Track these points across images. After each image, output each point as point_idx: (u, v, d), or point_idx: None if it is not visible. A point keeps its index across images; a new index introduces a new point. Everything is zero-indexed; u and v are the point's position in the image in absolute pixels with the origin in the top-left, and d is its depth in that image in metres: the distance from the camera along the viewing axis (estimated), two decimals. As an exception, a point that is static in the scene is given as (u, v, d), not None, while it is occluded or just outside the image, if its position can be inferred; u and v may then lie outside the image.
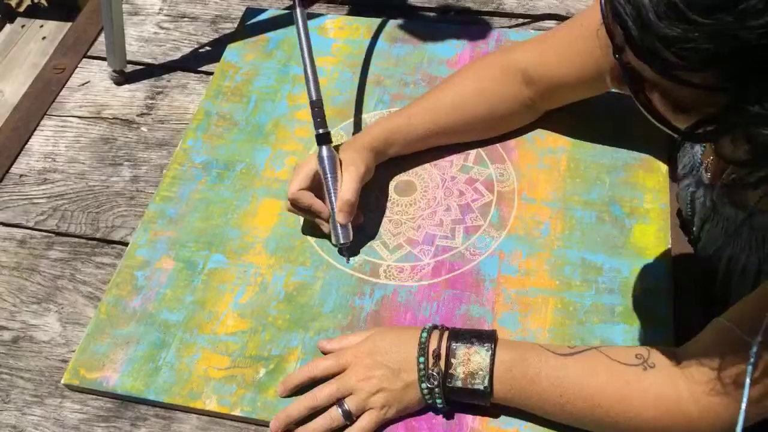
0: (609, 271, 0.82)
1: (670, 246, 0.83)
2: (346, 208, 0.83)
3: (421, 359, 0.71)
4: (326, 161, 0.84)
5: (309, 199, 0.84)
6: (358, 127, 0.98)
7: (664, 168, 0.90)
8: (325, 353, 0.77)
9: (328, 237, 0.86)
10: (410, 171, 0.93)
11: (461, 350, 0.70)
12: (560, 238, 0.85)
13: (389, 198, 0.91)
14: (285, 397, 0.75)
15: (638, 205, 0.86)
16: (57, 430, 0.77)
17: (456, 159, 0.93)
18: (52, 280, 0.89)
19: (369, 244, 0.87)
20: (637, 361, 0.67)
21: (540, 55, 0.87)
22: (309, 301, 0.82)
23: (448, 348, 0.71)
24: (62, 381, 0.79)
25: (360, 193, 0.84)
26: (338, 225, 0.83)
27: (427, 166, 0.93)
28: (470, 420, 0.73)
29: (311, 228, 0.87)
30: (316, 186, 0.85)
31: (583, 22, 0.82)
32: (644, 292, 0.80)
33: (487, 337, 0.71)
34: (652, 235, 0.84)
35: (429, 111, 0.90)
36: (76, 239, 0.93)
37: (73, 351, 0.81)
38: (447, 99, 0.90)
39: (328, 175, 0.84)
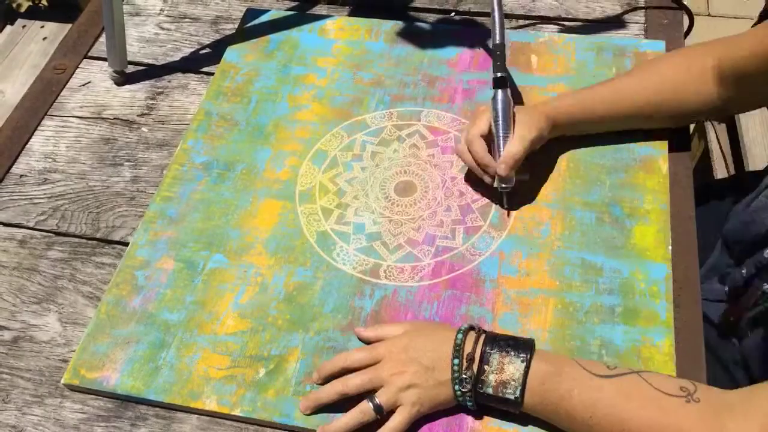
0: (609, 272, 0.82)
1: (670, 247, 0.83)
2: (510, 161, 0.84)
3: (456, 361, 0.70)
4: (500, 104, 0.85)
5: (481, 149, 0.85)
6: (358, 126, 0.98)
7: (664, 168, 0.90)
8: (360, 340, 0.78)
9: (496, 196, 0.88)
10: (410, 171, 0.93)
11: (495, 358, 0.70)
12: (560, 238, 0.85)
13: (389, 198, 0.91)
14: (319, 384, 0.75)
15: (638, 206, 0.87)
16: (57, 430, 0.77)
17: (456, 159, 0.93)
18: (52, 280, 0.89)
19: (369, 244, 0.87)
20: (681, 393, 0.64)
21: (732, 48, 0.85)
22: (309, 301, 0.82)
23: (483, 353, 0.70)
24: (62, 381, 0.79)
25: (527, 154, 0.85)
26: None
27: (427, 166, 0.93)
28: (470, 421, 0.73)
29: (473, 180, 0.90)
30: (490, 135, 0.86)
31: None
32: (644, 293, 0.80)
33: (524, 347, 0.70)
34: (652, 236, 0.84)
35: (613, 93, 0.89)
36: (77, 239, 0.93)
37: (73, 351, 0.82)
38: (636, 86, 0.89)
39: (500, 119, 0.85)
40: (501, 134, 0.85)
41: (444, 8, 1.16)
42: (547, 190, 0.89)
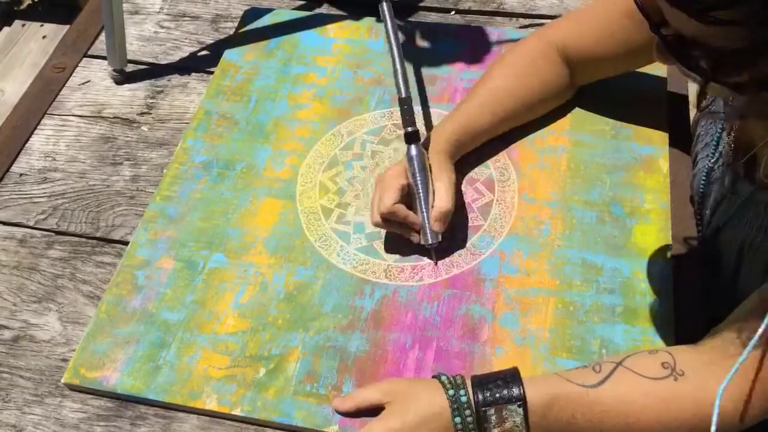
0: (609, 271, 0.82)
1: (670, 246, 0.83)
2: (443, 217, 0.82)
3: (458, 419, 0.68)
4: (416, 160, 0.82)
5: (404, 212, 0.82)
6: (358, 125, 0.98)
7: (664, 168, 0.90)
8: (339, 413, 0.74)
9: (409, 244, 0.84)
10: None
11: (492, 414, 0.68)
12: (561, 238, 0.85)
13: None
14: None
15: (639, 205, 0.86)
16: (57, 429, 0.77)
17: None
18: (53, 280, 0.89)
19: (369, 243, 0.87)
20: (665, 372, 0.66)
21: (578, 33, 0.88)
22: (309, 300, 0.82)
23: (479, 413, 0.68)
24: (62, 380, 0.79)
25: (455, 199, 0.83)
26: (428, 227, 0.82)
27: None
28: None
29: (394, 242, 0.85)
30: (406, 197, 0.83)
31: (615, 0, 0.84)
32: (644, 292, 0.80)
33: (513, 388, 0.68)
34: (653, 236, 0.84)
35: (486, 104, 0.90)
36: (77, 238, 0.93)
37: (74, 350, 0.81)
38: (499, 89, 0.90)
39: (418, 175, 0.82)
40: (421, 190, 0.82)
41: (444, 7, 1.16)
42: (547, 190, 0.89)
